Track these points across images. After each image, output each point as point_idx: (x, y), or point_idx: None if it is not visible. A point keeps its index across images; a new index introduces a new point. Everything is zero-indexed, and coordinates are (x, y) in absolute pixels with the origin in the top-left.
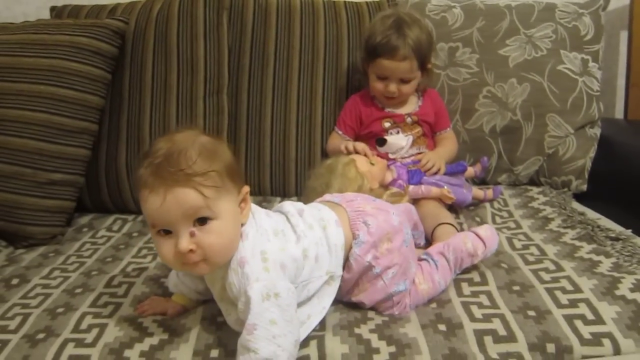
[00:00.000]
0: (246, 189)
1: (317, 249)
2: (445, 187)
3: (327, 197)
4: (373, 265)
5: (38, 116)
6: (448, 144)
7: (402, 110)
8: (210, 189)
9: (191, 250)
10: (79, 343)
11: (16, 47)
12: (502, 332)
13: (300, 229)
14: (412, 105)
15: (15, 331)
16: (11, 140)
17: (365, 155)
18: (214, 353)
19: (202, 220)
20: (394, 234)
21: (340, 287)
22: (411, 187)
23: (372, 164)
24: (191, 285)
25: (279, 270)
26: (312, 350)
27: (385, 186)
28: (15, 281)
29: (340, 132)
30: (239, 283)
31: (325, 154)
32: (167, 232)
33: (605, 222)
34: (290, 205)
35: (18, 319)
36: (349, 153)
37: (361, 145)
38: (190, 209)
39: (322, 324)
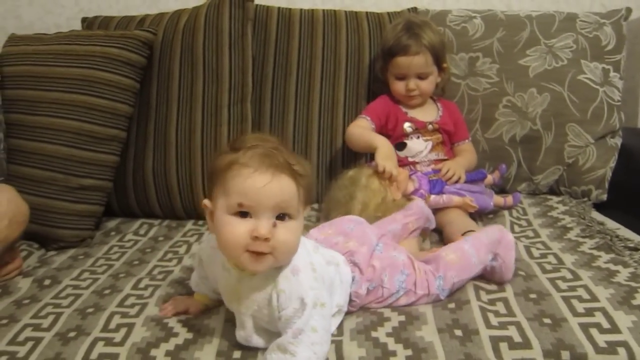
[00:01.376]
0: (308, 208)
1: (333, 281)
2: (467, 196)
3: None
4: (369, 288)
5: (70, 124)
6: (467, 155)
7: (424, 118)
8: (303, 190)
9: (266, 239)
10: (108, 342)
11: (50, 57)
12: (517, 338)
13: (325, 259)
14: (433, 114)
15: (48, 329)
16: (44, 147)
17: (391, 178)
18: (237, 354)
19: (282, 217)
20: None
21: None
22: (432, 196)
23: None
24: (212, 283)
25: (323, 282)
26: (330, 354)
27: (407, 196)
28: (47, 282)
29: (368, 118)
30: (291, 290)
31: (345, 163)
32: (244, 216)
33: (625, 232)
34: (305, 241)
35: (50, 317)
36: (382, 172)
37: (393, 166)
38: (285, 201)
39: (339, 329)
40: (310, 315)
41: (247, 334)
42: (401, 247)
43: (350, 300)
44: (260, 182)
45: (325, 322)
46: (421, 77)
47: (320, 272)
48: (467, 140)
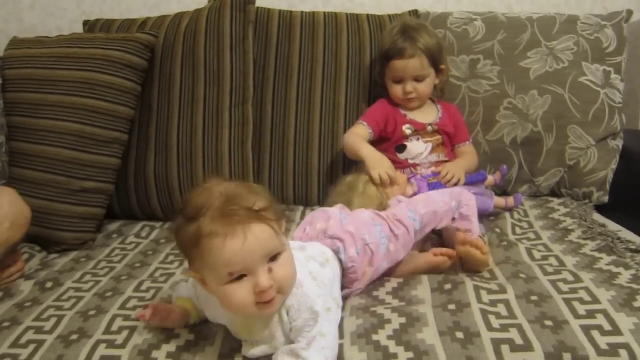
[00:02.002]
0: (283, 221)
1: (331, 280)
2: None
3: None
4: (357, 252)
5: (72, 126)
6: (468, 157)
7: (424, 120)
8: (275, 222)
9: (270, 287)
10: (110, 344)
11: (52, 60)
12: (519, 341)
13: (315, 256)
14: (433, 116)
15: (50, 332)
16: (46, 150)
17: (390, 179)
18: (239, 357)
19: (273, 258)
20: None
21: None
22: None
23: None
24: (208, 315)
25: (325, 286)
26: None
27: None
28: (49, 285)
29: (365, 124)
30: (300, 303)
31: (346, 167)
32: (240, 279)
33: (626, 234)
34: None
35: (53, 320)
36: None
37: (387, 171)
38: (269, 247)
39: (339, 332)
40: (322, 322)
41: (258, 351)
42: (362, 209)
43: (349, 269)
44: (237, 246)
45: (334, 326)
46: (418, 79)
47: (320, 278)
48: (467, 142)
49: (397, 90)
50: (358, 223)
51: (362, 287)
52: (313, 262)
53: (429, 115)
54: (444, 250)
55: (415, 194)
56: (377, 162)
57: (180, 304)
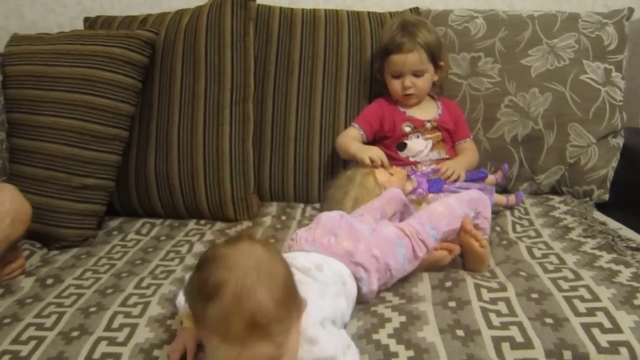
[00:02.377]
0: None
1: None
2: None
3: (302, 239)
4: (379, 279)
5: (72, 123)
6: (468, 154)
7: (423, 116)
8: (283, 333)
9: None
10: (111, 341)
11: (52, 56)
12: (519, 338)
13: (330, 284)
14: (432, 113)
15: (51, 328)
16: (46, 146)
17: (383, 165)
18: None
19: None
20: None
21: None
22: (430, 195)
23: (391, 174)
24: None
25: (336, 324)
26: None
27: (406, 195)
28: (49, 281)
29: (357, 126)
30: (316, 359)
31: (347, 163)
32: None
33: (627, 232)
34: (305, 260)
35: (53, 317)
36: (370, 163)
37: (377, 154)
38: (269, 358)
39: None
40: None
41: None
42: (385, 221)
43: (365, 295)
44: (231, 355)
45: (356, 357)
46: (417, 74)
47: (330, 320)
48: (468, 139)
49: (395, 85)
50: (385, 244)
51: None
52: (328, 291)
53: (428, 111)
54: (444, 244)
55: (414, 190)
56: (366, 149)
57: (187, 326)
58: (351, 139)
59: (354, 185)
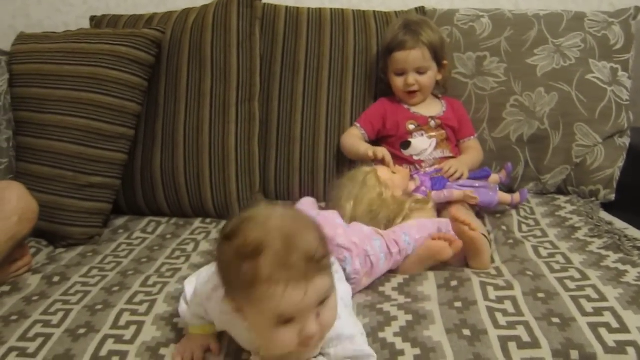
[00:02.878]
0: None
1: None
2: (468, 190)
3: None
4: (360, 263)
5: (79, 122)
6: (472, 152)
7: (427, 113)
8: (331, 267)
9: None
10: (118, 339)
11: (59, 55)
12: (526, 338)
13: (336, 269)
14: (436, 109)
15: (57, 326)
16: (53, 145)
17: (384, 161)
18: (245, 355)
19: (322, 302)
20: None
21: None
22: (434, 192)
23: (394, 172)
24: (226, 329)
25: (350, 308)
26: None
27: (409, 194)
28: (56, 279)
29: (358, 126)
30: (337, 335)
31: (352, 162)
32: (287, 321)
33: (633, 231)
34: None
35: (60, 314)
36: (374, 158)
37: (382, 151)
38: (325, 296)
39: None
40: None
41: None
42: (359, 224)
43: (351, 279)
44: (297, 297)
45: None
46: (420, 71)
47: (348, 300)
48: (472, 137)
49: (399, 83)
50: (361, 234)
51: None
52: (336, 277)
53: (432, 109)
54: (442, 234)
55: (417, 188)
56: (374, 147)
57: (196, 332)
58: (356, 138)
59: (355, 184)
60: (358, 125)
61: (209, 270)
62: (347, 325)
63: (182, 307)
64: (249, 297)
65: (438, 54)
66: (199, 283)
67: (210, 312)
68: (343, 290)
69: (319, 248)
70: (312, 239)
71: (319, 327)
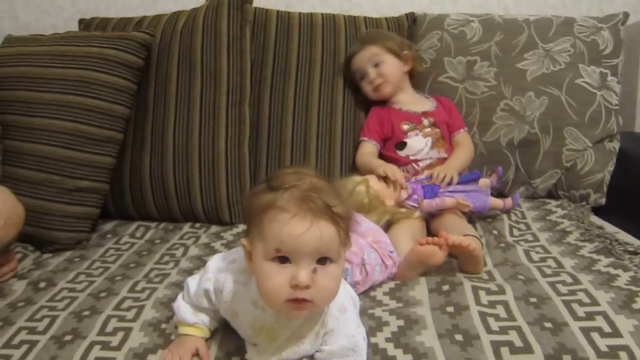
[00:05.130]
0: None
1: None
2: (460, 196)
3: None
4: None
5: (66, 125)
6: (462, 151)
7: (418, 109)
8: (343, 233)
9: (306, 286)
10: (105, 346)
11: (46, 58)
12: (518, 343)
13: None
14: (426, 106)
15: (43, 332)
16: (40, 148)
17: (395, 182)
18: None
19: (322, 260)
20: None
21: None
22: (425, 201)
23: (388, 185)
24: (228, 316)
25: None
26: None
27: (401, 203)
28: (42, 284)
29: (366, 139)
30: (339, 329)
31: (344, 167)
32: (283, 262)
33: (624, 235)
34: None
35: (46, 320)
36: (383, 175)
37: (393, 172)
38: (325, 246)
39: None
40: (363, 355)
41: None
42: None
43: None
44: (299, 229)
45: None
46: (376, 65)
47: (357, 304)
48: (462, 130)
49: (365, 85)
50: (357, 244)
51: None
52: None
53: (422, 105)
54: (429, 238)
55: (409, 197)
56: (386, 164)
57: (195, 333)
58: (368, 155)
59: (345, 192)
60: (366, 138)
61: (221, 255)
62: (351, 321)
63: (179, 302)
64: (260, 223)
65: (390, 47)
66: (210, 262)
67: (220, 288)
68: (353, 292)
69: (339, 206)
70: (337, 201)
71: (312, 285)
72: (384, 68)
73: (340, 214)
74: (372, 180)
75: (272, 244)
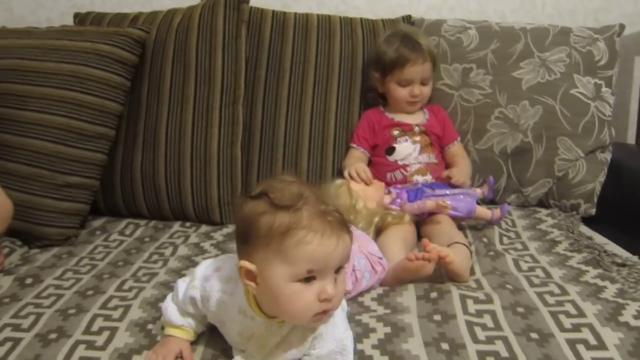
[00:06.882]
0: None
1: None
2: (440, 199)
3: None
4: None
5: (58, 120)
6: (464, 160)
7: (411, 121)
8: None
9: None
10: (90, 345)
11: (40, 52)
12: (504, 353)
13: None
14: (419, 118)
15: (28, 330)
16: (31, 142)
17: (362, 178)
18: None
19: (338, 270)
20: None
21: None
22: (407, 204)
23: (367, 184)
24: (216, 323)
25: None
26: None
27: (385, 207)
28: (29, 280)
29: (354, 145)
30: (327, 333)
31: (335, 168)
32: (310, 280)
33: (613, 247)
34: None
35: (31, 318)
36: (351, 177)
37: (355, 170)
38: (346, 257)
39: None
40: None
41: None
42: None
43: None
44: (330, 248)
45: None
46: (424, 83)
47: (345, 308)
48: (456, 142)
49: (403, 93)
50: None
51: None
52: None
53: (415, 117)
54: (419, 254)
55: (393, 201)
56: (354, 165)
57: (182, 336)
58: (352, 159)
59: (328, 197)
60: (354, 145)
61: (207, 263)
62: (340, 325)
63: (168, 302)
64: (280, 246)
65: (435, 64)
66: (197, 269)
67: (207, 296)
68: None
69: (343, 216)
70: (337, 209)
71: (336, 292)
72: (427, 90)
73: (347, 221)
74: (352, 182)
75: (304, 266)
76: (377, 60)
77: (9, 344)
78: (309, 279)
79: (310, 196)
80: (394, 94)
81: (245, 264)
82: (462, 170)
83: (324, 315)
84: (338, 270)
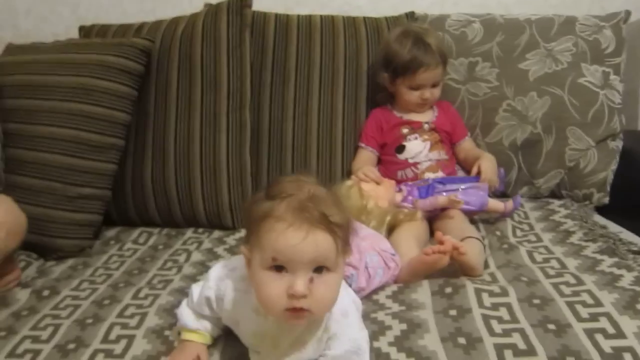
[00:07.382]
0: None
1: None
2: (452, 194)
3: None
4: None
5: (68, 132)
6: (484, 152)
7: (420, 119)
8: (341, 242)
9: (303, 296)
10: (108, 354)
11: (47, 66)
12: (522, 346)
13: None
14: (429, 115)
15: (47, 341)
16: (42, 156)
17: (371, 179)
18: None
19: (319, 269)
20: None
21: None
22: (419, 201)
23: (378, 183)
24: (230, 324)
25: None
26: None
27: (397, 205)
28: (46, 293)
29: (363, 145)
30: (342, 333)
31: (345, 170)
32: (279, 270)
33: (627, 235)
34: None
35: (50, 329)
36: (357, 180)
37: (363, 172)
38: (321, 256)
39: None
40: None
41: None
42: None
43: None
44: (294, 239)
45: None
46: (435, 85)
47: (360, 308)
48: (467, 137)
49: (413, 96)
50: (360, 247)
51: None
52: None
53: (424, 115)
54: (435, 247)
55: (404, 198)
56: (363, 169)
57: (199, 340)
58: (360, 162)
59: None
60: (363, 144)
61: (222, 264)
62: (354, 326)
63: (182, 307)
64: (258, 232)
65: (446, 64)
66: (211, 271)
67: (222, 296)
68: (354, 296)
69: (336, 215)
70: (335, 210)
71: (310, 295)
72: (437, 90)
73: (338, 223)
74: (363, 182)
75: (269, 253)
76: (388, 61)
77: (28, 356)
78: (279, 269)
79: (303, 193)
80: (404, 97)
81: (242, 248)
82: (492, 167)
83: (297, 314)
84: (320, 270)
